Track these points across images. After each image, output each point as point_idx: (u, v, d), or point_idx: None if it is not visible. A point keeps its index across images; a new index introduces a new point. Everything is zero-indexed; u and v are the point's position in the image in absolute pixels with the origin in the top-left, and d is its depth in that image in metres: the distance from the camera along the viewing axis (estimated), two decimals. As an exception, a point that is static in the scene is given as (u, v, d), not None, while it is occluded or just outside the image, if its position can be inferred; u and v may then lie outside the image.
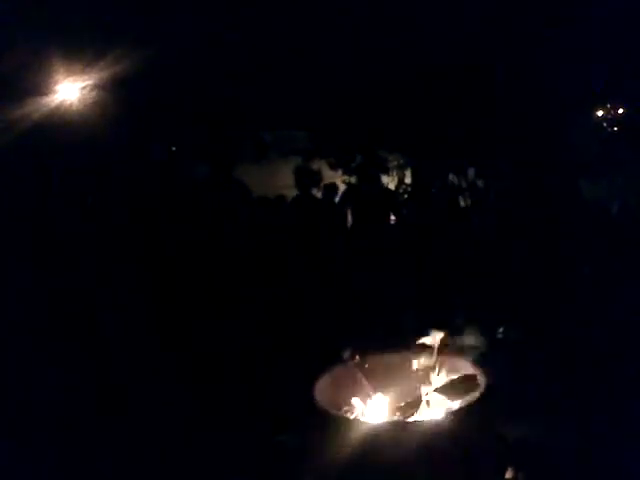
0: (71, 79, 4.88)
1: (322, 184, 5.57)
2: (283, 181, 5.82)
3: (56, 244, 4.36)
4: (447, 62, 5.69)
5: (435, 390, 2.60)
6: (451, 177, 6.37)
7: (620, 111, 6.63)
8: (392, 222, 5.82)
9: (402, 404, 2.59)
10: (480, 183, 6.17)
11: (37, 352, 3.66)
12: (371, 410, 2.61)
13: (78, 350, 3.77)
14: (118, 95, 4.91)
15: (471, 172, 6.34)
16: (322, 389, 2.58)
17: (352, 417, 2.49)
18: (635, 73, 5.45)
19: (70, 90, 4.93)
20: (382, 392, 2.65)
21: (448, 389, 2.57)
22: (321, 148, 6.27)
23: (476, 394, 2.39)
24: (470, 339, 3.42)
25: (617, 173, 5.51)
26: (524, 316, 4.10)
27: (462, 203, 6.41)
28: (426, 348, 2.67)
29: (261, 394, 3.41)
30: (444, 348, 2.69)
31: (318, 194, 5.49)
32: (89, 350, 3.80)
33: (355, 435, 2.29)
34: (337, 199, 5.59)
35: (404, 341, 2.77)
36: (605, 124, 6.66)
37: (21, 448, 3.04)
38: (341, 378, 2.69)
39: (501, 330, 4.02)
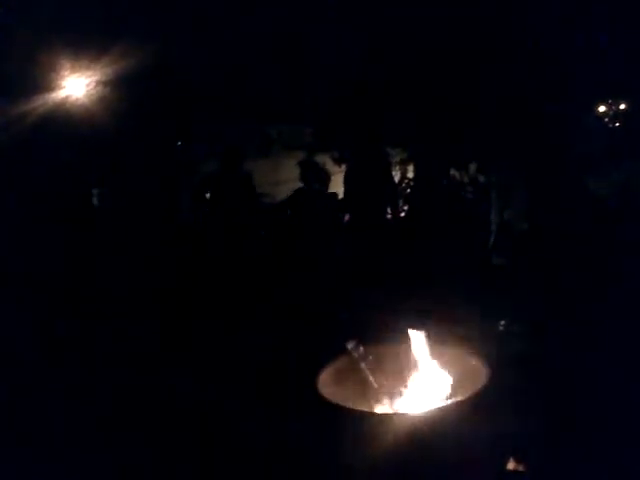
0: (76, 75, 4.90)
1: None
2: (287, 175, 5.84)
3: (61, 237, 4.39)
4: (450, 56, 5.69)
5: (437, 382, 2.63)
6: (453, 172, 6.39)
7: (622, 107, 6.63)
8: (394, 216, 5.85)
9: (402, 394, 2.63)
10: (482, 178, 6.19)
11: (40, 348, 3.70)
12: (375, 401, 2.64)
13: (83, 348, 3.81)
14: (123, 91, 4.92)
15: (472, 167, 6.37)
16: (326, 380, 2.61)
17: (357, 408, 2.51)
18: (637, 68, 5.45)
19: (75, 86, 4.95)
20: (385, 384, 2.68)
21: (450, 381, 2.61)
22: (325, 143, 6.28)
23: (479, 385, 2.42)
24: (473, 331, 3.43)
25: (619, 168, 5.51)
26: (527, 310, 4.12)
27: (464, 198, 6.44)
28: (429, 339, 2.70)
29: (264, 387, 3.43)
30: (448, 339, 2.72)
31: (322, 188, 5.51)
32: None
33: (360, 426, 2.32)
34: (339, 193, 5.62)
35: (406, 333, 2.79)
36: (607, 119, 6.65)
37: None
38: (344, 370, 2.72)
39: (503, 323, 4.05)
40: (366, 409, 2.55)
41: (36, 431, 3.14)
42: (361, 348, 2.70)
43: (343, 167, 6.42)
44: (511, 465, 2.65)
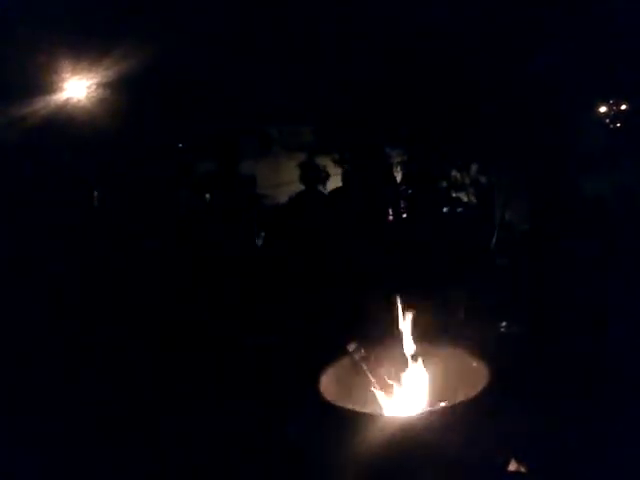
0: (77, 77, 4.91)
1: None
2: (288, 177, 5.84)
3: (60, 240, 4.39)
4: (450, 56, 5.69)
5: (437, 382, 2.63)
6: (454, 173, 6.38)
7: (623, 107, 6.61)
8: (394, 217, 5.85)
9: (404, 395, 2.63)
10: (483, 179, 6.18)
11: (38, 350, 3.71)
12: (377, 403, 2.64)
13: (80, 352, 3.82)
14: (124, 93, 4.93)
15: (474, 168, 6.36)
16: (327, 382, 2.61)
17: (358, 410, 2.51)
18: (638, 68, 5.44)
19: (76, 88, 4.95)
20: (386, 385, 2.68)
21: (450, 382, 2.61)
22: (326, 144, 6.27)
23: (478, 387, 2.42)
24: (474, 332, 3.44)
25: (619, 169, 5.52)
26: (526, 311, 4.12)
27: (465, 199, 6.43)
28: (429, 340, 2.71)
29: (265, 388, 3.43)
30: (448, 340, 2.72)
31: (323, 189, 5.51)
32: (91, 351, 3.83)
33: (361, 427, 2.33)
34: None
35: (407, 334, 2.79)
36: (607, 120, 6.64)
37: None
38: (345, 371, 2.72)
39: (504, 324, 4.05)
40: (367, 411, 2.56)
41: (36, 430, 3.15)
42: (362, 349, 2.71)
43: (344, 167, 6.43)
44: (512, 465, 2.65)
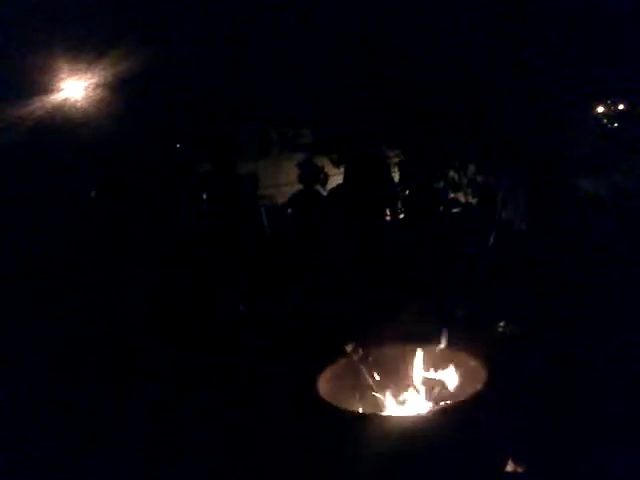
0: (77, 77, 4.91)
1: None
2: (288, 177, 5.85)
3: (59, 239, 4.40)
4: (447, 60, 5.70)
5: (436, 383, 2.64)
6: (451, 173, 6.40)
7: (620, 107, 6.62)
8: (393, 217, 5.86)
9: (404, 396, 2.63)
10: (482, 179, 6.20)
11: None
12: (376, 403, 2.65)
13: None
14: (122, 93, 4.93)
15: (471, 168, 6.37)
16: (326, 383, 2.62)
17: (358, 410, 2.52)
18: (635, 69, 5.45)
19: (76, 88, 4.96)
20: (384, 386, 2.69)
21: (450, 382, 2.62)
22: (326, 144, 6.28)
23: (477, 387, 2.43)
24: (472, 332, 3.44)
25: (618, 169, 5.52)
26: (524, 311, 4.12)
27: (462, 199, 6.44)
28: (428, 341, 2.71)
29: (264, 389, 3.43)
30: (446, 341, 2.73)
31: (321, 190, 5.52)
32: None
33: (359, 428, 2.33)
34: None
35: (406, 334, 2.80)
36: (606, 120, 6.65)
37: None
38: (344, 371, 2.72)
39: (501, 324, 4.05)
40: (367, 411, 2.56)
41: (36, 430, 3.16)
42: (360, 350, 2.72)
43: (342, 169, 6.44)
44: (510, 467, 2.66)
